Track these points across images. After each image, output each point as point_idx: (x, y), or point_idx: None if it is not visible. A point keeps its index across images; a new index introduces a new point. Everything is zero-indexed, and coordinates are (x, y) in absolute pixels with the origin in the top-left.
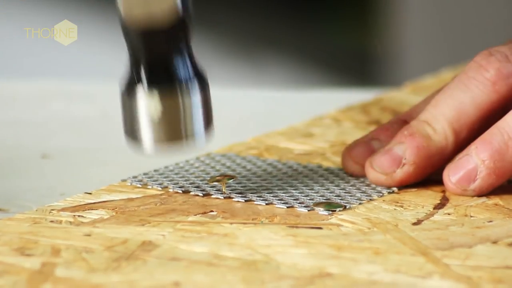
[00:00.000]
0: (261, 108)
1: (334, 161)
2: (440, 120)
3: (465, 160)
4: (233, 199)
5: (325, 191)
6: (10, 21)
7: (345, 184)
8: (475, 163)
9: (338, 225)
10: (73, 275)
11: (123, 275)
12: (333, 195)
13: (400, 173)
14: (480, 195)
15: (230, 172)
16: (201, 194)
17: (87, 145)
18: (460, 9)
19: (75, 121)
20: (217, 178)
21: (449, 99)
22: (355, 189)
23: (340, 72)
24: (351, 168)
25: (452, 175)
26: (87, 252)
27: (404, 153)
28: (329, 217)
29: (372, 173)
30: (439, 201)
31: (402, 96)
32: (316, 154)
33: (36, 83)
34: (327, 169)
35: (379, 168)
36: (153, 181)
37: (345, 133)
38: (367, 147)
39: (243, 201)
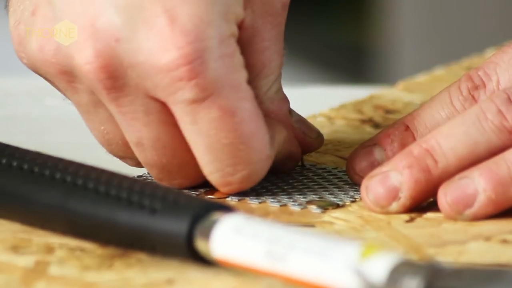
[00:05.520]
0: None
1: (327, 159)
2: (447, 156)
3: (465, 183)
4: (227, 198)
5: (318, 189)
6: (3, 17)
7: (338, 182)
8: (475, 189)
9: (331, 223)
10: (67, 273)
11: (117, 273)
12: (325, 193)
13: (396, 207)
14: (471, 220)
15: None
16: (194, 193)
17: (82, 141)
18: (453, 7)
19: (70, 117)
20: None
21: (463, 136)
22: (348, 186)
23: (333, 69)
24: (352, 178)
25: (449, 194)
26: (80, 251)
27: (401, 185)
28: (322, 215)
29: (368, 203)
30: (431, 198)
31: (395, 94)
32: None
33: (31, 79)
34: (320, 167)
35: (374, 200)
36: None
37: (338, 131)
38: (368, 156)
39: (237, 199)
